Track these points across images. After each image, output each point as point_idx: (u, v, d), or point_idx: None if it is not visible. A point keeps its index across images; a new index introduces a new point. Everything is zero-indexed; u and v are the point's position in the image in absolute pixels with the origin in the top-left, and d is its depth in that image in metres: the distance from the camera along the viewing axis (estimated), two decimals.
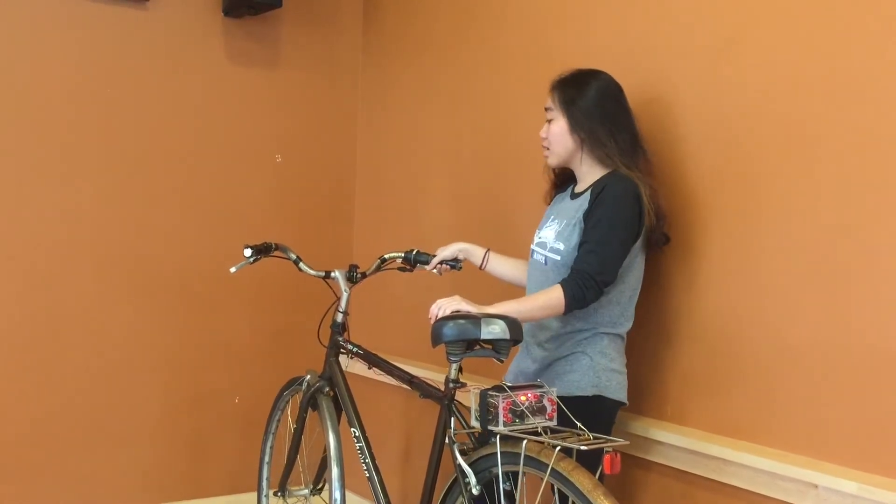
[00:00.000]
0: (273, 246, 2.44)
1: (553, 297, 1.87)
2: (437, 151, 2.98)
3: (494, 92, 2.71)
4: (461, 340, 1.79)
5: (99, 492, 2.98)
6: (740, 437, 1.88)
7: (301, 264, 2.41)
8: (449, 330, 1.78)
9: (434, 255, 2.33)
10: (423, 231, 3.02)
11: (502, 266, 2.27)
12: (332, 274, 2.46)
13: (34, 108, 2.85)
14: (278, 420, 2.68)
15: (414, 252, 2.39)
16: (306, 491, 2.54)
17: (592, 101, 1.98)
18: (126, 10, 2.99)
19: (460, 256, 2.29)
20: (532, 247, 2.09)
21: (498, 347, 1.80)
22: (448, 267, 2.31)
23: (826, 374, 1.72)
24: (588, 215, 1.94)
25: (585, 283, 1.86)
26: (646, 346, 2.11)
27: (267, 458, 2.72)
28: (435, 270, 2.34)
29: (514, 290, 2.21)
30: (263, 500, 2.76)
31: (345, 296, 2.41)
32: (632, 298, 2.00)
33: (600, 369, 1.94)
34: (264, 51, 3.26)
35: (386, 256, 2.44)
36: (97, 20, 2.94)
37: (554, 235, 2.00)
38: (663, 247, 2.02)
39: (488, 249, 2.29)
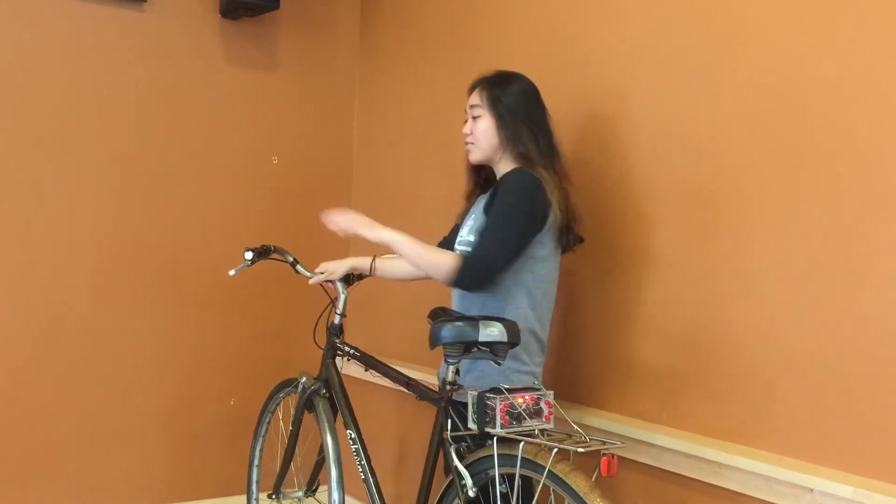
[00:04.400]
0: (272, 248, 2.44)
1: (446, 259, 1.95)
2: (433, 153, 2.98)
3: None
4: (459, 343, 1.79)
5: (98, 492, 2.97)
6: (736, 441, 1.87)
7: (298, 266, 2.41)
8: (447, 332, 1.78)
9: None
10: (419, 232, 3.00)
11: (392, 266, 2.36)
12: None
13: (31, 107, 2.84)
14: (268, 423, 2.68)
15: None
16: (300, 493, 2.53)
17: (517, 100, 2.05)
18: (124, 11, 2.99)
19: (354, 273, 2.40)
20: (455, 246, 2.13)
21: (496, 350, 1.79)
22: (332, 285, 2.42)
23: (822, 378, 1.72)
24: (488, 206, 1.99)
25: (478, 264, 1.91)
26: (642, 351, 2.10)
27: (256, 462, 2.71)
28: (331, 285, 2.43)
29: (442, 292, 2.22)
30: (253, 503, 2.75)
31: (342, 298, 2.41)
32: (546, 295, 2.02)
33: (510, 372, 1.96)
34: (261, 52, 3.26)
35: (378, 257, 2.44)
36: (95, 21, 2.94)
37: (467, 231, 2.07)
38: (576, 247, 2.09)
39: (374, 257, 2.37)
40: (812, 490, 1.67)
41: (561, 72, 2.38)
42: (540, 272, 2.00)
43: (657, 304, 2.08)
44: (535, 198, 1.94)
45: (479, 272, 1.92)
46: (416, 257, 2.00)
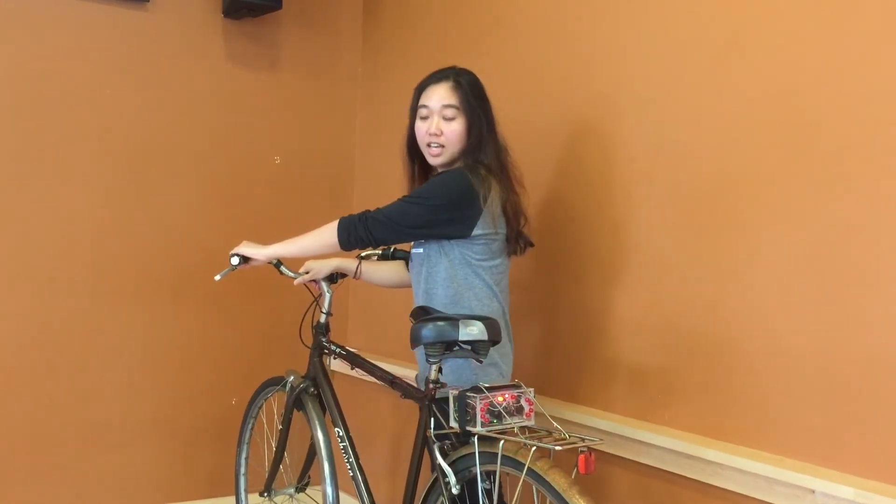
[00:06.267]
0: None
1: (326, 227, 1.98)
2: None
3: (491, 96, 2.67)
4: (440, 342, 1.77)
5: (92, 492, 2.98)
6: (736, 441, 1.84)
7: (282, 267, 2.41)
8: (427, 332, 1.76)
9: (395, 250, 2.38)
10: None
11: (375, 271, 2.35)
12: None
13: (33, 107, 2.87)
14: (252, 428, 2.66)
15: (392, 250, 2.38)
16: (291, 489, 2.52)
17: (483, 104, 2.02)
18: (126, 11, 3.00)
19: (338, 272, 2.38)
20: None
21: (476, 348, 1.78)
22: (316, 284, 2.40)
23: (823, 378, 1.68)
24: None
25: (361, 217, 1.93)
26: (642, 350, 2.07)
27: (243, 471, 2.70)
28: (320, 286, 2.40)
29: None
30: None
31: (327, 297, 2.41)
32: (493, 298, 1.97)
33: (476, 367, 1.95)
34: (264, 52, 3.26)
35: (363, 255, 2.43)
36: (97, 20, 2.96)
37: None
38: (528, 250, 2.06)
39: (360, 260, 2.36)
40: (813, 491, 1.64)
41: (560, 72, 2.35)
42: (482, 273, 1.96)
43: (653, 305, 2.04)
44: (459, 185, 1.90)
45: (362, 226, 1.92)
46: (307, 248, 2.02)
